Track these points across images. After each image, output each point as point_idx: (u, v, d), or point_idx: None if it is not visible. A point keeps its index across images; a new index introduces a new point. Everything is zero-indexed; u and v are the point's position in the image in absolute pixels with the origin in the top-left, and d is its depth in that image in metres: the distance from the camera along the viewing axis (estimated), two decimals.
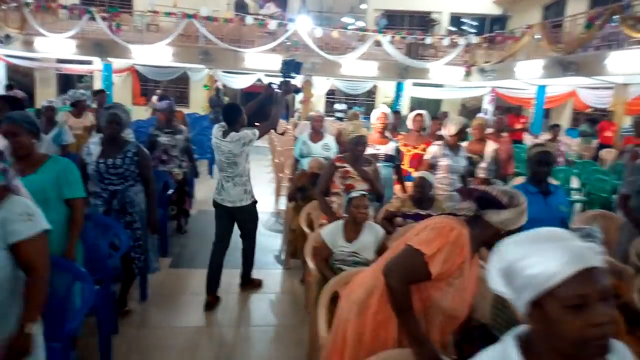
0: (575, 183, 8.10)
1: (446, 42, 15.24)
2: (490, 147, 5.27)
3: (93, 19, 13.94)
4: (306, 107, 16.99)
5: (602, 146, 10.55)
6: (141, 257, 3.46)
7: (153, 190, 3.53)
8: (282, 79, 3.93)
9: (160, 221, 4.90)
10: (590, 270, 0.90)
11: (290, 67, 3.96)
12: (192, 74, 17.64)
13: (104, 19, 13.97)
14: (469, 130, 4.64)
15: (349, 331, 1.88)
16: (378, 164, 4.26)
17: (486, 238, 1.74)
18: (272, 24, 14.23)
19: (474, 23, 20.67)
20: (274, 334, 3.50)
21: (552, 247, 0.92)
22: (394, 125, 6.61)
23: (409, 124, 5.40)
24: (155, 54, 14.65)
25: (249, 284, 4.26)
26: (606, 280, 0.93)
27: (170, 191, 4.93)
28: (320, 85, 18.68)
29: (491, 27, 19.78)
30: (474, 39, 15.58)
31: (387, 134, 4.87)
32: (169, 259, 4.76)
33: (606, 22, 9.96)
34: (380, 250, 2.95)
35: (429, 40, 14.98)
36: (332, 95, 20.95)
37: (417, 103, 18.50)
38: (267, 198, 7.01)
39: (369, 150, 4.33)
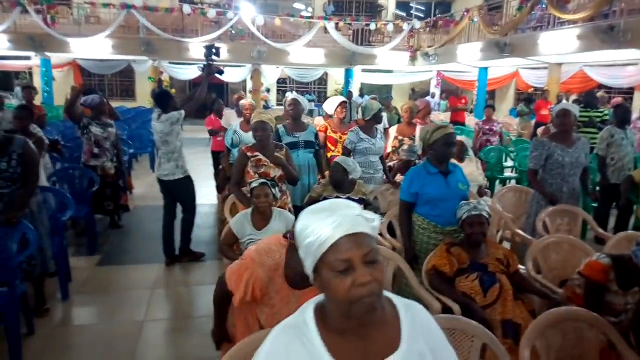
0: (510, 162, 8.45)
1: (390, 27, 15.42)
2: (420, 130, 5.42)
3: (26, 11, 13.35)
4: (256, 96, 16.88)
5: (538, 124, 10.97)
6: (31, 261, 3.22)
7: (31, 191, 3.20)
8: (205, 64, 4.40)
9: (86, 219, 4.84)
10: (356, 236, 0.96)
11: (211, 51, 4.44)
12: (136, 66, 17.19)
13: (37, 11, 13.41)
14: (384, 114, 4.79)
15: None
16: (300, 151, 4.35)
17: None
18: (212, 13, 13.99)
19: (422, 8, 20.98)
20: (198, 325, 3.52)
21: (325, 217, 0.97)
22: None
23: (329, 110, 5.51)
24: (96, 47, 14.20)
25: (189, 255, 4.62)
26: (371, 244, 0.99)
27: (95, 187, 4.83)
28: (271, 74, 18.58)
29: (435, 11, 20.12)
30: (418, 24, 15.82)
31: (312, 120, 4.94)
32: (98, 257, 4.69)
33: (536, 4, 10.32)
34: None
35: (373, 26, 15.09)
36: (283, 84, 20.88)
37: (367, 89, 18.70)
38: (208, 190, 6.97)
39: (287, 139, 4.38)
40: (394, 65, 17.55)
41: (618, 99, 9.21)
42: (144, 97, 17.81)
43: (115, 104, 9.72)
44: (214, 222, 5.98)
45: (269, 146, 3.52)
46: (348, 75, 17.61)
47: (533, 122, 11.26)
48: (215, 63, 4.38)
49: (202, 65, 4.51)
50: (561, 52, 10.07)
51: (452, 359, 1.12)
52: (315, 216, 0.99)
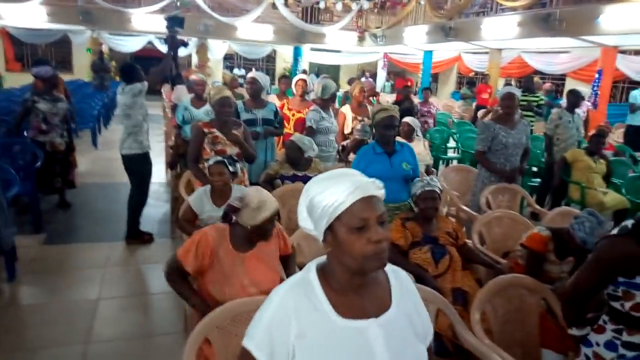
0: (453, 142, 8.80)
1: (339, 6, 15.42)
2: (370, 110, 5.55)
3: None
4: (203, 71, 16.44)
5: (479, 107, 11.45)
6: None
7: None
8: (167, 35, 4.30)
9: (30, 195, 4.65)
10: (370, 199, 1.07)
11: (175, 22, 4.31)
12: (73, 36, 16.22)
13: None
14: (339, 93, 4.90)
15: None
16: (258, 128, 4.36)
17: (248, 235, 2.20)
18: None
19: None
20: (153, 301, 3.52)
21: (341, 181, 1.07)
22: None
23: (293, 88, 5.51)
24: (28, 14, 13.26)
25: (136, 237, 4.48)
26: (382, 207, 1.10)
27: (39, 163, 4.63)
28: (218, 49, 18.12)
29: None
30: (366, 4, 15.91)
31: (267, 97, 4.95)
32: (43, 235, 4.53)
33: None
34: None
35: (322, 4, 15.05)
36: (230, 60, 20.45)
37: (316, 68, 18.69)
38: (158, 167, 6.81)
39: (245, 115, 4.38)
40: (342, 45, 17.62)
41: (547, 84, 9.77)
42: (81, 69, 16.90)
43: None
44: (165, 199, 5.89)
45: (227, 123, 3.51)
46: (296, 53, 17.51)
47: (474, 105, 11.75)
48: (178, 35, 4.24)
49: (164, 37, 4.45)
50: (502, 38, 10.51)
51: (429, 323, 1.25)
52: (331, 181, 1.08)
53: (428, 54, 15.21)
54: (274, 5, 15.31)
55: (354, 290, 1.12)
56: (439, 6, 12.94)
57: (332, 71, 20.77)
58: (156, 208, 5.50)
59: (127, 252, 4.34)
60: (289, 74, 17.16)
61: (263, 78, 4.72)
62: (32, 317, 3.17)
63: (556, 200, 5.52)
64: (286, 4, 15.40)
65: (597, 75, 9.84)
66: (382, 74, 18.51)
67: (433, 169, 5.53)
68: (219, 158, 2.97)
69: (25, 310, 3.28)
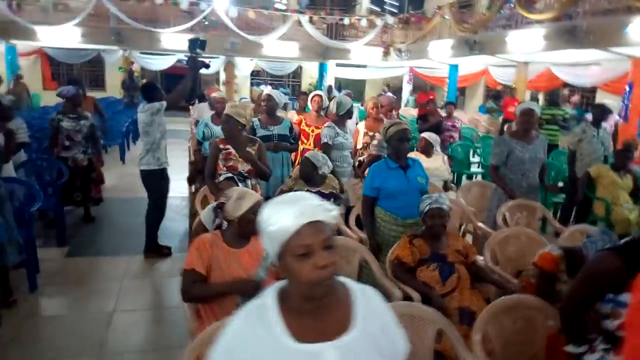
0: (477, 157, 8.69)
1: (364, 22, 15.51)
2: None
3: None
4: (229, 88, 16.78)
5: (505, 121, 11.26)
6: None
7: None
8: (189, 56, 4.35)
9: (54, 210, 4.81)
10: (316, 224, 1.06)
11: (196, 44, 4.35)
12: (106, 56, 16.83)
13: None
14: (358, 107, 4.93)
15: None
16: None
17: (239, 229, 2.32)
18: (184, 3, 13.81)
19: (395, 3, 21.13)
20: (168, 315, 3.57)
21: (288, 207, 1.07)
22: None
23: (309, 104, 5.56)
24: (63, 36, 13.84)
25: (154, 251, 4.59)
26: (328, 231, 1.09)
27: (64, 179, 4.80)
28: (244, 66, 18.47)
29: (408, 7, 20.32)
30: (391, 20, 15.97)
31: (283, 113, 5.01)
32: (67, 248, 4.67)
33: (504, 3, 10.58)
34: None
35: (346, 20, 15.17)
36: (257, 77, 20.79)
37: (338, 83, 18.80)
38: (181, 182, 6.95)
39: (261, 132, 4.45)
40: (367, 60, 17.68)
41: (575, 97, 9.55)
42: (113, 87, 17.44)
43: None
44: (185, 214, 5.99)
45: (240, 139, 3.55)
46: (322, 69, 17.65)
47: (500, 118, 11.56)
48: (200, 57, 4.30)
49: (186, 58, 4.47)
50: (527, 51, 10.36)
51: (401, 342, 1.22)
52: (278, 206, 1.08)
53: (454, 67, 15.10)
54: (299, 23, 15.53)
55: (311, 313, 1.11)
56: (464, 20, 12.87)
57: (358, 86, 20.86)
58: (177, 222, 5.61)
59: (145, 266, 4.43)
60: (314, 89, 17.38)
61: (278, 95, 4.79)
62: (49, 328, 3.26)
63: (581, 217, 5.35)
64: (311, 21, 15.60)
65: (627, 88, 9.56)
66: (407, 88, 18.45)
67: (452, 184, 5.46)
68: (229, 174, 3.02)
69: (43, 321, 3.38)
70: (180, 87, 4.35)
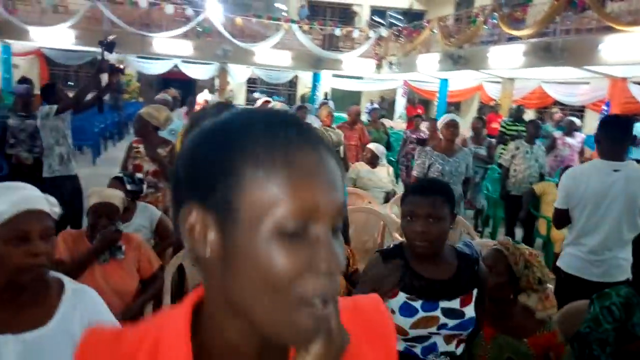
0: None
1: (356, 34, 15.58)
2: (337, 133, 5.59)
3: None
4: (222, 95, 16.88)
5: (489, 137, 11.21)
6: None
7: None
8: (99, 58, 4.30)
9: None
10: (36, 212, 1.08)
11: (105, 46, 4.25)
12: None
13: None
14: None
15: None
16: None
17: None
18: (169, 8, 13.99)
19: (399, 17, 21.22)
20: None
21: (9, 192, 1.08)
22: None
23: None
24: (58, 37, 14.06)
25: None
26: (48, 222, 1.10)
27: (2, 173, 4.85)
28: (240, 74, 18.59)
29: (411, 21, 20.40)
30: (384, 32, 16.03)
31: None
32: None
33: (488, 19, 10.58)
34: (158, 229, 3.11)
35: (337, 31, 15.25)
36: (254, 84, 20.91)
37: (337, 95, 18.84)
38: None
39: None
40: (361, 72, 17.74)
41: (557, 115, 9.44)
42: None
43: None
44: None
45: (151, 139, 3.57)
46: (315, 79, 17.72)
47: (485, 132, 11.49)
48: (108, 60, 4.20)
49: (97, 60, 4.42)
50: (508, 67, 10.35)
51: None
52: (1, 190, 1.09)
53: (444, 82, 15.08)
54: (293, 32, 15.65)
55: (3, 304, 1.10)
56: (451, 34, 12.89)
57: (354, 97, 20.88)
58: None
59: None
60: (307, 100, 17.43)
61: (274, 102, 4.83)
62: None
63: (528, 234, 5.30)
64: (306, 31, 15.69)
65: (604, 107, 9.48)
66: (401, 102, 18.44)
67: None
68: (119, 174, 3.02)
69: None
70: (78, 90, 4.25)
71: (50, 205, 1.12)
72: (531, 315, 1.84)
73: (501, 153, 7.02)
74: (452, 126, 3.93)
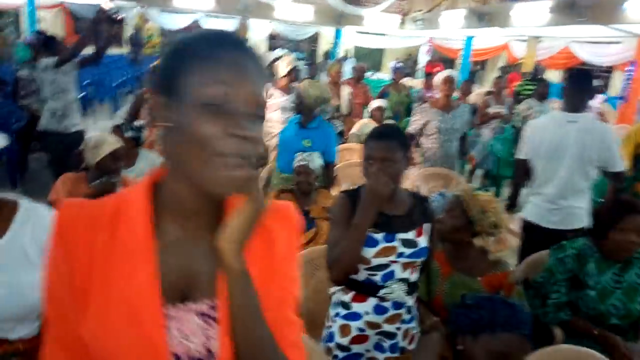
0: None
1: None
2: (346, 91, 5.63)
3: None
4: None
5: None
6: None
7: None
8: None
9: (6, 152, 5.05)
10: None
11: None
12: (124, 12, 17.03)
13: None
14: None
15: None
16: None
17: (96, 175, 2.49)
18: None
19: None
20: None
21: None
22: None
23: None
24: None
25: None
26: None
27: (20, 124, 5.07)
28: (260, 29, 18.38)
29: None
30: None
31: None
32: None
33: None
34: None
35: None
36: (275, 40, 20.67)
37: (360, 53, 18.54)
38: None
39: None
40: (383, 28, 17.33)
41: None
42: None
43: None
44: None
45: None
46: (337, 35, 17.42)
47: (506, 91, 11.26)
48: (106, 10, 3.80)
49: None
50: (533, 25, 10.00)
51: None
52: None
53: (469, 39, 14.66)
54: None
55: None
56: None
57: (377, 55, 20.50)
58: None
59: None
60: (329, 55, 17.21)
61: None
62: None
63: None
64: None
65: (630, 67, 9.15)
66: (425, 60, 18.04)
67: None
68: (120, 122, 3.19)
69: None
70: (75, 43, 4.04)
71: None
72: (485, 256, 1.95)
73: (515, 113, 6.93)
74: (449, 82, 3.94)
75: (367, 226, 1.67)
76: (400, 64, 14.53)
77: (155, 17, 16.65)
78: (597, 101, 7.51)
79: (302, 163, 2.89)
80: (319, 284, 2.29)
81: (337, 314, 1.86)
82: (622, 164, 2.67)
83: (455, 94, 7.26)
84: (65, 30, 18.18)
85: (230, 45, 0.71)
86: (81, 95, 7.66)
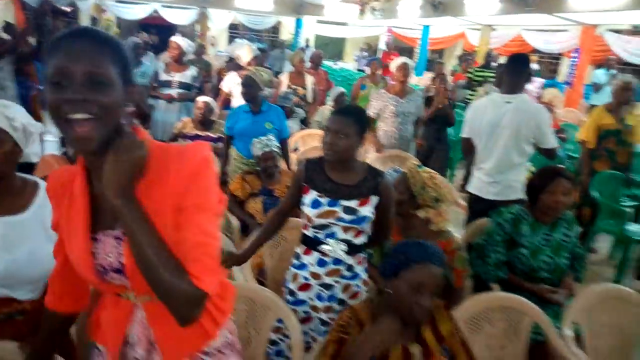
0: None
1: None
2: (310, 80, 5.81)
3: None
4: (203, 41, 16.68)
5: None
6: None
7: None
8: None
9: None
10: None
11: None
12: (80, 3, 16.61)
13: None
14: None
15: None
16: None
17: None
18: None
19: None
20: None
21: None
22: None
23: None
24: None
25: None
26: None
27: None
28: (221, 19, 18.25)
29: None
30: None
31: None
32: None
33: None
34: None
35: None
36: (236, 30, 20.57)
37: (321, 42, 18.68)
38: None
39: (163, 76, 4.70)
40: (343, 18, 17.55)
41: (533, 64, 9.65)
42: None
43: None
44: None
45: None
46: (297, 25, 17.52)
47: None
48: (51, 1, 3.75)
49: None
50: (485, 13, 10.41)
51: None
52: None
53: (425, 28, 15.06)
54: None
55: None
56: None
57: (339, 44, 20.71)
58: None
59: None
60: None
61: (185, 43, 4.98)
62: None
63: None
64: None
65: (574, 54, 9.70)
66: (384, 49, 18.38)
67: None
68: None
69: None
70: (16, 35, 3.96)
71: (9, 120, 1.40)
72: (428, 226, 2.20)
73: (467, 98, 7.29)
74: (404, 68, 4.19)
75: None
76: (365, 53, 14.81)
77: (111, 7, 16.31)
78: (534, 85, 7.96)
79: (266, 150, 3.08)
80: (283, 253, 2.49)
81: (293, 264, 2.12)
82: (553, 141, 2.98)
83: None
84: (16, 21, 17.54)
85: (77, 38, 0.93)
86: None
